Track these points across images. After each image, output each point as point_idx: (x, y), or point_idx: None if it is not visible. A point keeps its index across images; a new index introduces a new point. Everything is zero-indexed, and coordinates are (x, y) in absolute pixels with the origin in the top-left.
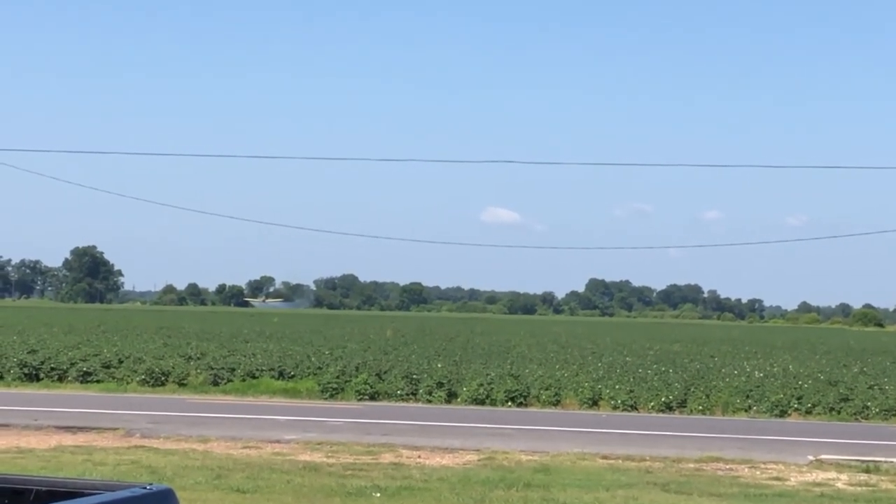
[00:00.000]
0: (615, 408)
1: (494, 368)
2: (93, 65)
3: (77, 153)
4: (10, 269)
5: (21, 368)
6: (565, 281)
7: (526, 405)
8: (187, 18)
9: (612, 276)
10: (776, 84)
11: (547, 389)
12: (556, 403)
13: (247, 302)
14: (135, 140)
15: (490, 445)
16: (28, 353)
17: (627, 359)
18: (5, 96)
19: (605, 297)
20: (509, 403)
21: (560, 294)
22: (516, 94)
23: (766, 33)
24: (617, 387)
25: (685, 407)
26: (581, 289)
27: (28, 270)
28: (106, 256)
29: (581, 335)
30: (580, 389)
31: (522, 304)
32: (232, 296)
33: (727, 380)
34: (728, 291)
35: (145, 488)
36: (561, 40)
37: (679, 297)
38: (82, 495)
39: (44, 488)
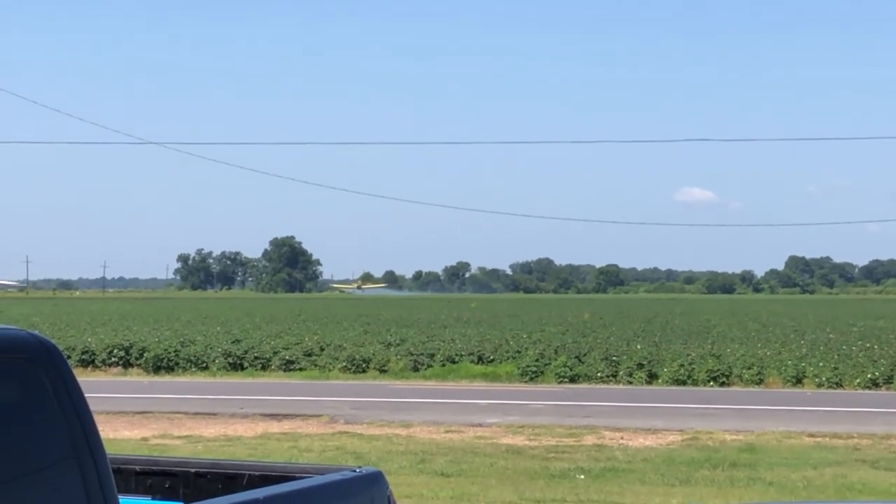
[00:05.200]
0: (819, 385)
1: (695, 348)
2: (299, 55)
3: (274, 145)
4: (211, 261)
5: (226, 358)
6: (764, 259)
7: (728, 384)
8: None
9: (811, 252)
10: None
11: (749, 368)
12: (759, 382)
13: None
14: (333, 129)
15: (693, 425)
16: (232, 343)
17: (831, 336)
18: (208, 92)
19: (805, 274)
20: (711, 383)
21: (759, 272)
22: (708, 71)
23: None
24: (821, 364)
25: (892, 383)
26: (780, 266)
27: (229, 262)
28: (304, 246)
29: (782, 313)
30: (783, 367)
31: (721, 284)
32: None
33: None
34: None
35: (355, 471)
36: (752, 17)
37: (882, 273)
38: (294, 479)
39: (256, 473)
